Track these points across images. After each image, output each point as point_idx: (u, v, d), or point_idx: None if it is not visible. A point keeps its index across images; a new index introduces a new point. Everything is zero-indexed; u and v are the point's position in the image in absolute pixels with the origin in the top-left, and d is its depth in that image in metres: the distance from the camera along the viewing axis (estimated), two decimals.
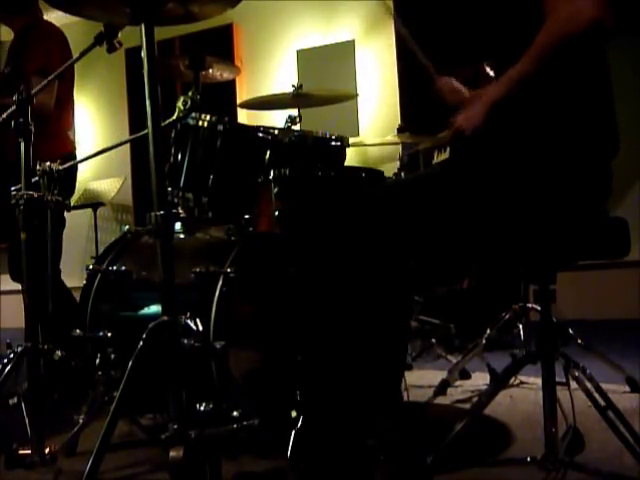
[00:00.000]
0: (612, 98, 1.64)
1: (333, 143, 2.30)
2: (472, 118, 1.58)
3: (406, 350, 1.89)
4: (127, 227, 2.37)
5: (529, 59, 1.50)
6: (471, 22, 1.71)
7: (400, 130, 3.77)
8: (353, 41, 5.57)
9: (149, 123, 1.56)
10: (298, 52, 5.75)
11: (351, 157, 2.41)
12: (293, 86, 2.94)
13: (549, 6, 1.48)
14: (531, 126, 1.59)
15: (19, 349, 1.87)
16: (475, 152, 1.63)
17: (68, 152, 3.17)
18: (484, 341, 2.71)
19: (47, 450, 1.80)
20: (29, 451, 1.78)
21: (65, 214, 2.24)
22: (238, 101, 5.78)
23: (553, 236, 1.58)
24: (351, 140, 2.37)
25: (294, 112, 2.53)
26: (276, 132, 2.19)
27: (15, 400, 1.98)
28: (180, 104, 1.94)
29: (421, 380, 2.82)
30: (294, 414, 1.62)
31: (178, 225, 2.23)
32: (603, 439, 1.80)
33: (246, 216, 2.14)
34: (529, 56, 1.50)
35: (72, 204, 2.10)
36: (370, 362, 1.54)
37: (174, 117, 1.95)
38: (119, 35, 1.83)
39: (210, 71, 2.59)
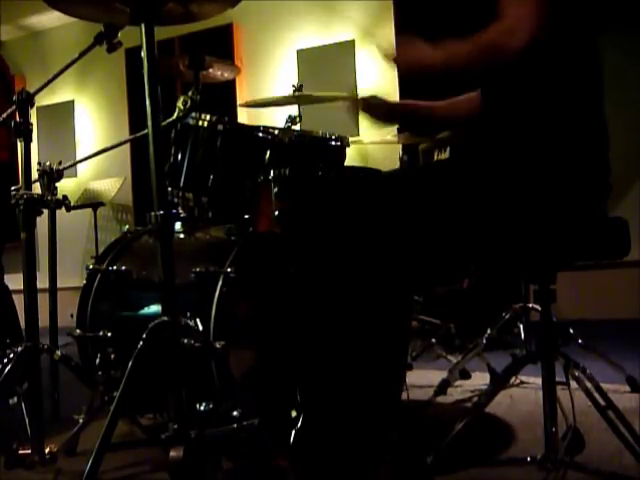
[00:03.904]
0: (603, 100, 1.65)
1: (333, 143, 2.30)
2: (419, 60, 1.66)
3: (407, 350, 1.89)
4: (127, 227, 2.38)
5: (466, 51, 1.55)
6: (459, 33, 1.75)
7: (400, 130, 3.78)
8: (353, 41, 5.57)
9: (149, 123, 1.56)
10: (298, 52, 5.75)
11: (351, 157, 2.41)
12: (293, 86, 2.94)
13: (499, 9, 1.52)
14: (530, 126, 1.60)
15: (19, 349, 1.87)
16: (474, 152, 1.63)
17: None
18: (484, 341, 2.71)
19: (47, 450, 1.80)
20: (29, 451, 1.78)
21: (65, 214, 2.24)
22: (238, 101, 5.79)
23: (553, 236, 1.58)
24: (351, 140, 2.37)
25: (294, 112, 2.53)
26: (276, 132, 2.19)
27: (15, 400, 1.98)
28: (180, 104, 1.94)
29: (421, 380, 2.82)
30: (294, 414, 1.62)
31: (178, 225, 2.23)
32: (603, 439, 1.80)
33: (246, 216, 2.14)
34: (467, 49, 1.55)
35: (72, 204, 2.09)
36: (370, 362, 1.54)
37: (174, 117, 1.95)
38: (119, 35, 1.83)
39: (210, 71, 2.59)
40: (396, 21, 5.46)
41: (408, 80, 1.70)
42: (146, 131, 1.58)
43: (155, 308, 2.02)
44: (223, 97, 5.42)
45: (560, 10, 1.55)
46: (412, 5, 5.26)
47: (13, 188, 1.91)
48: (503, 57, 1.52)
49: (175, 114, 1.95)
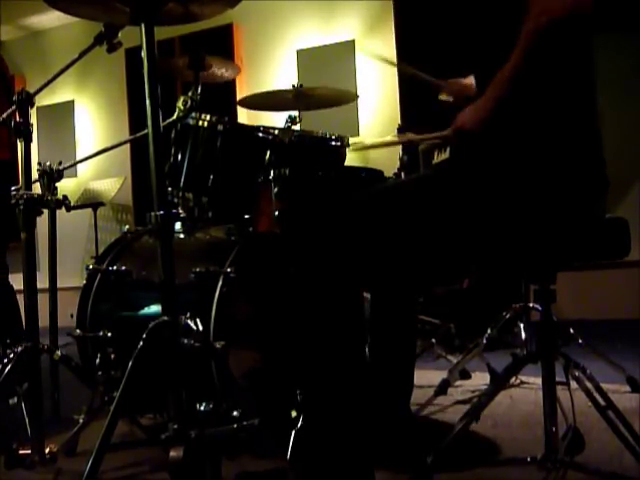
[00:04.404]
0: (595, 99, 1.65)
1: (333, 143, 2.30)
2: (474, 114, 1.59)
3: (414, 351, 1.88)
4: (127, 227, 2.38)
5: (517, 52, 1.52)
6: (459, 33, 1.73)
7: (400, 130, 3.77)
8: (353, 41, 5.58)
9: (149, 123, 1.56)
10: (298, 52, 5.75)
11: (351, 157, 2.40)
12: (293, 86, 2.93)
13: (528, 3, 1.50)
14: (528, 127, 1.59)
15: (19, 349, 1.87)
16: (474, 154, 1.63)
17: None
18: (484, 341, 2.71)
19: (47, 450, 1.80)
20: (29, 451, 1.78)
21: (65, 214, 2.24)
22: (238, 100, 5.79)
23: (553, 237, 1.58)
24: (351, 140, 2.37)
25: (294, 112, 2.53)
26: (276, 132, 2.19)
27: (15, 400, 1.98)
28: (180, 104, 1.94)
29: (421, 380, 2.82)
30: (294, 414, 1.62)
31: (178, 225, 2.23)
32: (603, 439, 1.80)
33: (246, 216, 2.14)
34: (517, 50, 1.52)
35: (72, 204, 2.09)
36: (371, 362, 1.54)
37: (174, 117, 1.95)
38: (119, 35, 1.83)
39: (210, 71, 2.59)
40: (396, 21, 5.46)
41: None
42: (146, 131, 1.58)
43: (155, 308, 2.02)
44: (223, 97, 5.42)
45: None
46: (412, 5, 5.26)
47: (13, 188, 1.91)
48: (546, 37, 1.48)
49: (175, 114, 1.95)
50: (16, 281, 2.79)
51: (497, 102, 1.56)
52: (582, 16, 1.47)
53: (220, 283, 1.90)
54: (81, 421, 1.93)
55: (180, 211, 2.23)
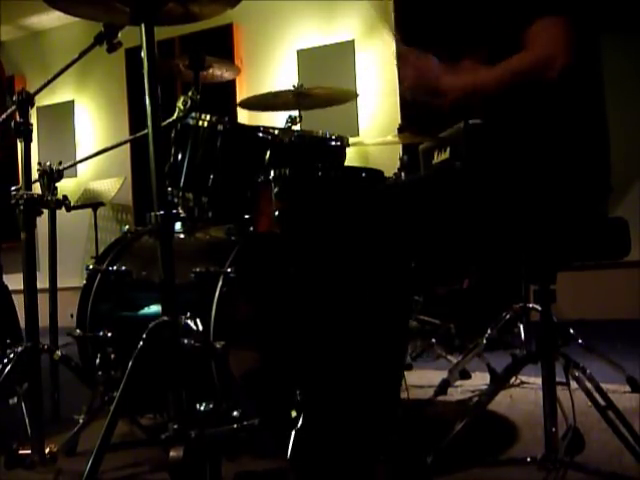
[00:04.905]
0: (604, 102, 1.67)
1: (333, 143, 2.30)
2: (485, 76, 1.63)
3: (406, 350, 1.89)
4: (127, 227, 2.38)
5: (495, 76, 1.57)
6: (459, 34, 1.75)
7: (400, 130, 3.77)
8: (353, 41, 5.58)
9: (149, 123, 1.56)
10: (298, 52, 5.75)
11: (351, 157, 2.41)
12: (293, 86, 2.93)
13: (530, 38, 1.55)
14: (532, 128, 1.60)
15: (19, 349, 1.87)
16: (475, 154, 1.63)
17: None
18: (484, 341, 2.71)
19: (47, 450, 1.80)
20: (29, 451, 1.78)
21: (65, 214, 2.24)
22: (238, 101, 5.79)
23: (553, 237, 1.58)
24: (351, 140, 2.37)
25: (294, 112, 2.53)
26: (276, 132, 2.19)
27: (15, 400, 1.98)
28: (180, 104, 1.94)
29: (421, 380, 2.82)
30: (294, 414, 1.62)
31: (178, 225, 2.23)
32: (603, 439, 1.80)
33: (246, 216, 2.14)
34: (497, 73, 1.58)
35: (72, 204, 2.09)
36: (370, 362, 1.54)
37: (174, 117, 1.95)
38: (119, 35, 1.83)
39: (210, 71, 2.59)
40: (396, 21, 5.46)
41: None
42: (146, 131, 1.58)
43: (155, 308, 2.01)
44: (223, 97, 5.42)
45: (587, 32, 1.57)
46: (412, 5, 5.26)
47: (13, 188, 1.91)
48: (536, 84, 1.55)
49: (175, 114, 1.95)
50: (16, 281, 2.79)
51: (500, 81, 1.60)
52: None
53: (220, 283, 1.90)
54: (81, 421, 1.93)
55: (180, 211, 2.23)
